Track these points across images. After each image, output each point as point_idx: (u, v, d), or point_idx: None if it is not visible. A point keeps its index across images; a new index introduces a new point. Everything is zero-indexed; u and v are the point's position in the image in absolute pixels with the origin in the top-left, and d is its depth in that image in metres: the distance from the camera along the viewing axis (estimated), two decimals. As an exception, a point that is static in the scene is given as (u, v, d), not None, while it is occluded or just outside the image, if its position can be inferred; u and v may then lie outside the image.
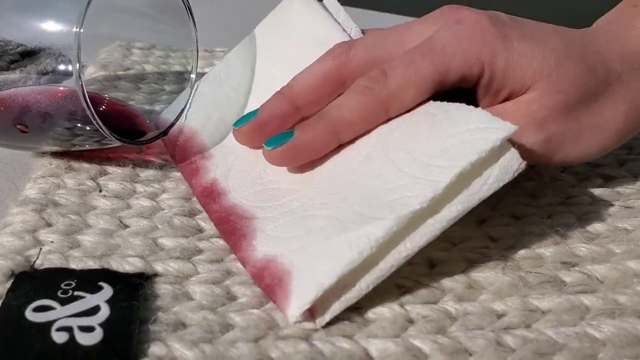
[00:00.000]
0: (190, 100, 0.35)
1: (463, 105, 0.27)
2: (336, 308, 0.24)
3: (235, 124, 0.32)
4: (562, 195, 0.34)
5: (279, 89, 0.31)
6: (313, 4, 0.34)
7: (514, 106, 0.29)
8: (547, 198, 0.34)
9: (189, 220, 0.30)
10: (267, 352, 0.23)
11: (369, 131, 0.29)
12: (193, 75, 0.36)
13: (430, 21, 0.31)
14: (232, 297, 0.26)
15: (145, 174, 0.34)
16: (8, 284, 0.25)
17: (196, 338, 0.23)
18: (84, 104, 0.29)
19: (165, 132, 0.34)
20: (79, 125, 0.31)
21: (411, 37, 0.30)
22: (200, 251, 0.28)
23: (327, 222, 0.26)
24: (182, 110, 0.35)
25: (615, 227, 0.31)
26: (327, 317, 0.24)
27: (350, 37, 0.33)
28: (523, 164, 0.25)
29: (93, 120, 0.30)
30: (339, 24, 0.34)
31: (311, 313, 0.24)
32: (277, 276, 0.25)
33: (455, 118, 0.27)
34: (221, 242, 0.29)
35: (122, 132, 0.32)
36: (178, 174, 0.34)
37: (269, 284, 0.25)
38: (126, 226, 0.30)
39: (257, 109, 0.32)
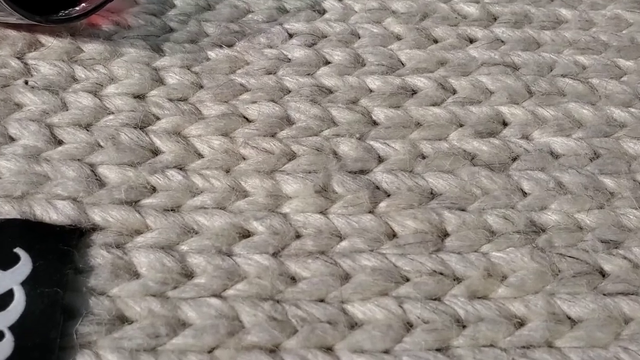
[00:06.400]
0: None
1: None
2: None
3: None
4: (617, 122, 0.27)
5: None
6: None
7: None
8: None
9: (140, 135, 0.24)
10: (225, 363, 0.19)
11: None
12: None
13: None
14: (187, 273, 0.20)
15: (90, 47, 0.26)
16: None
17: (136, 345, 0.19)
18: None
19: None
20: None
21: None
22: (152, 190, 0.22)
23: None
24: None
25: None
26: None
27: None
28: None
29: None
30: None
31: None
32: None
33: None
34: (179, 176, 0.23)
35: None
36: (132, 50, 0.26)
37: None
38: (58, 141, 0.23)
39: None
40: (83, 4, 0.25)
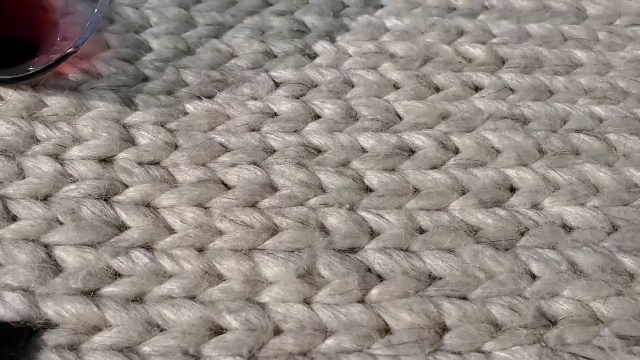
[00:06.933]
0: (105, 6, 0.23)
1: None
2: None
3: None
4: (637, 188, 0.24)
5: None
6: None
7: None
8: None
9: (103, 208, 0.21)
10: None
11: None
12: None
13: None
14: (148, 382, 0.18)
15: (53, 101, 0.23)
16: None
17: None
18: None
19: (74, 50, 0.22)
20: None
21: None
22: (113, 276, 0.20)
23: None
24: (97, 20, 0.23)
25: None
26: None
27: None
28: None
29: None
30: None
31: None
32: None
33: None
34: (145, 259, 0.20)
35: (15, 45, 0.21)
36: (100, 103, 0.24)
37: None
38: (12, 217, 0.21)
39: None
40: (43, 56, 0.22)
